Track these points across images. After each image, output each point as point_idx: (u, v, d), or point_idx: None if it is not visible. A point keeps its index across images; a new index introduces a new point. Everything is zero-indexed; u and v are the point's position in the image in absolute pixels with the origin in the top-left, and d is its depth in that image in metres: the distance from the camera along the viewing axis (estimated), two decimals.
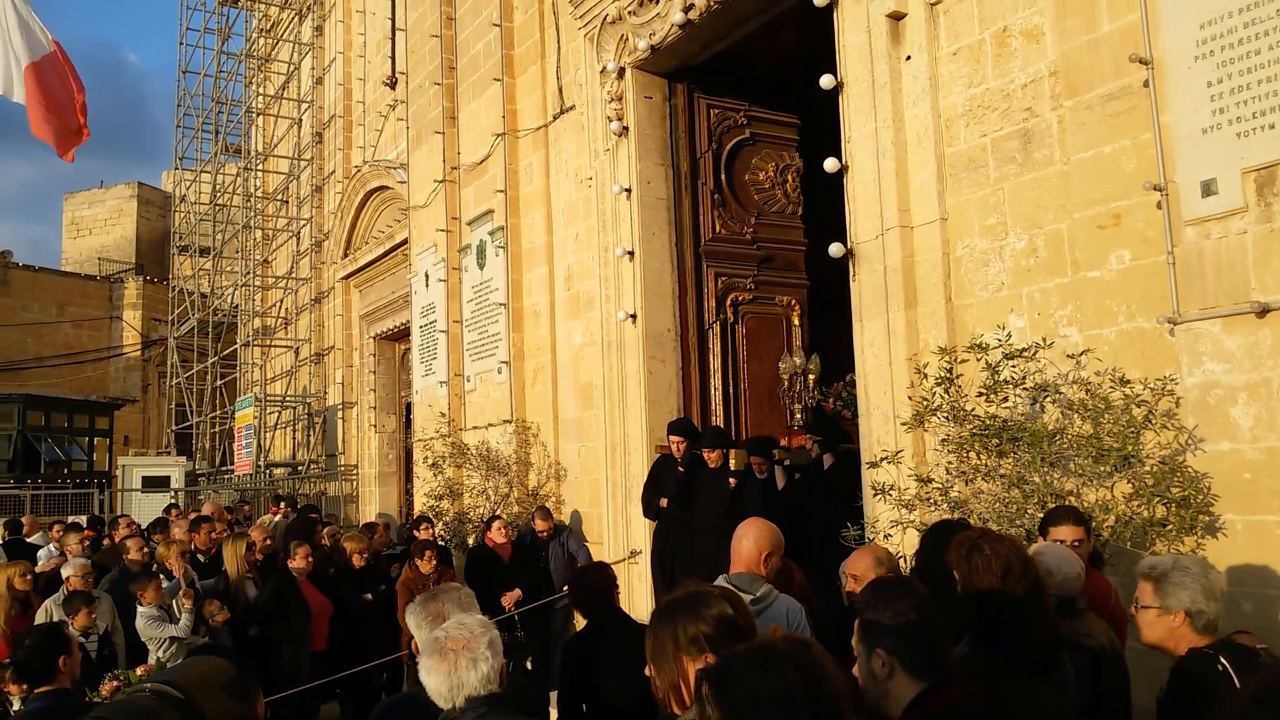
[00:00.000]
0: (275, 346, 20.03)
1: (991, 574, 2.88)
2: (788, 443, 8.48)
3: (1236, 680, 2.73)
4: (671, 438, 7.68)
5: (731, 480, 7.31)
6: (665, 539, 7.59)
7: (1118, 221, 4.82)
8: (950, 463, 5.02)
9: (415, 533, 8.85)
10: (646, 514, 7.96)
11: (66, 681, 4.08)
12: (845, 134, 6.34)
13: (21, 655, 4.10)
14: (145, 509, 14.71)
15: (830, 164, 6.42)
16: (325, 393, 18.21)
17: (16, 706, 5.78)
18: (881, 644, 2.50)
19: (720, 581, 3.72)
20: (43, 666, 4.00)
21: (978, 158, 5.63)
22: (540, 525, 8.50)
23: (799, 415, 8.76)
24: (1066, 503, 4.49)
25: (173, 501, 15.45)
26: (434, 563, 7.49)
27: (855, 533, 5.52)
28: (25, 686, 5.85)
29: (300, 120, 19.12)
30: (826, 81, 6.46)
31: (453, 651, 2.62)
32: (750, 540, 3.81)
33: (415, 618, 3.21)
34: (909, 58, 6.02)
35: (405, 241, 13.51)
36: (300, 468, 18.47)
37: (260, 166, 20.61)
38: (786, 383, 8.95)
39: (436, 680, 2.62)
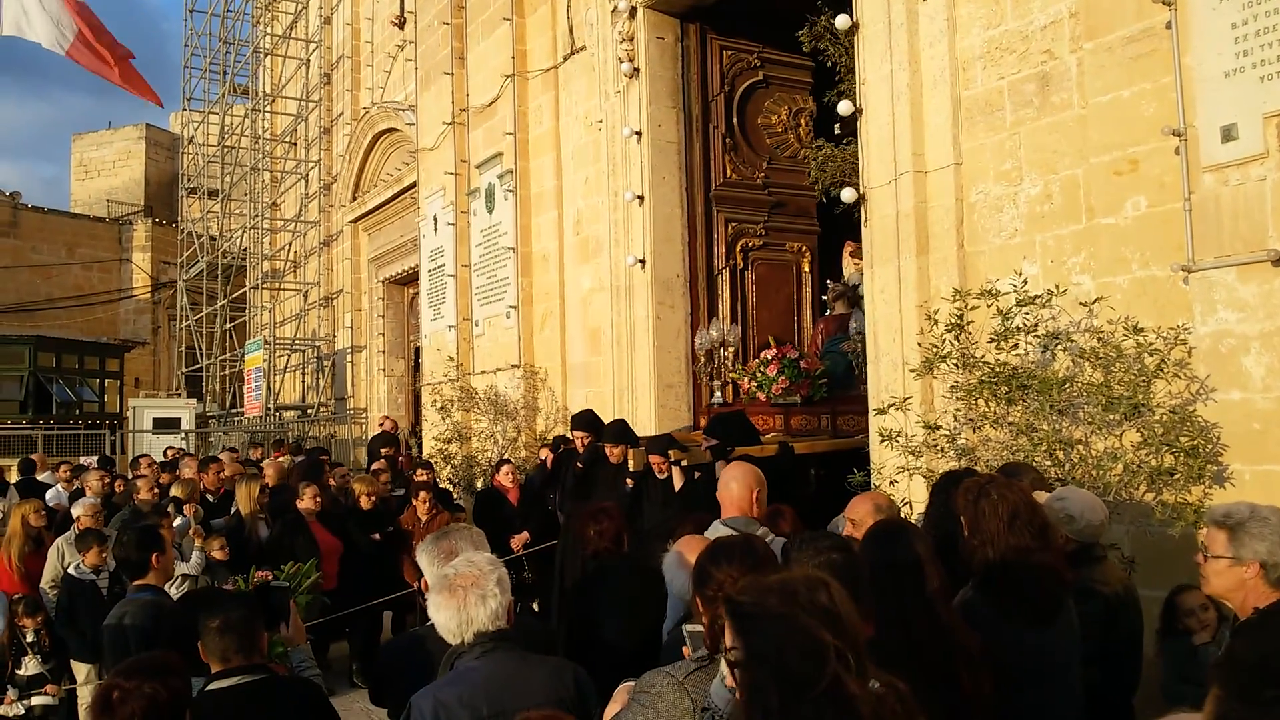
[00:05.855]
0: (284, 290, 20.02)
1: (998, 519, 2.85)
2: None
3: None
4: (575, 432, 7.53)
5: (629, 481, 6.97)
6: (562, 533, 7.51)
7: (1135, 167, 4.74)
8: (958, 410, 5.00)
9: (414, 477, 8.86)
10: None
11: (159, 579, 4.45)
12: (860, 76, 6.24)
13: (121, 551, 4.50)
14: (156, 451, 14.78)
15: (844, 107, 6.33)
16: (334, 336, 18.24)
17: (30, 639, 5.87)
18: None
19: (718, 526, 3.71)
20: (140, 560, 4.36)
21: (994, 101, 5.54)
22: (545, 455, 8.54)
23: (717, 394, 8.42)
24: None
25: (173, 445, 15.54)
26: (428, 504, 7.72)
27: (860, 478, 5.53)
28: (40, 619, 5.95)
29: (308, 61, 18.90)
30: (842, 22, 6.36)
31: (462, 588, 2.65)
32: (739, 483, 3.77)
33: (426, 555, 3.22)
34: None
35: (414, 185, 13.44)
36: (309, 411, 18.56)
37: (268, 108, 20.43)
38: (704, 359, 8.40)
39: (446, 616, 2.65)
